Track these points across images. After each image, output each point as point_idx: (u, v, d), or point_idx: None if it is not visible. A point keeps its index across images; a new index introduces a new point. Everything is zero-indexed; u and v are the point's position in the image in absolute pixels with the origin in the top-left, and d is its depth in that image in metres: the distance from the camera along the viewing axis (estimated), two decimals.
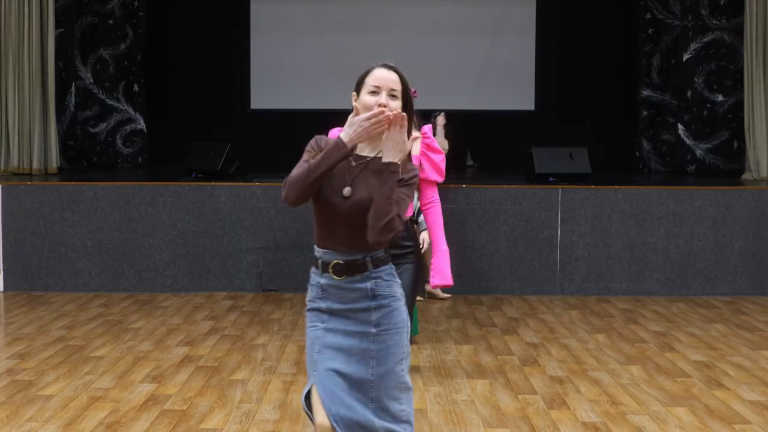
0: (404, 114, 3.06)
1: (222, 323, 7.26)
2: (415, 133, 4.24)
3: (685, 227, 8.50)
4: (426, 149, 5.51)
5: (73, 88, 11.09)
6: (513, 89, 12.00)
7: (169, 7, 11.96)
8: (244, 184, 8.71)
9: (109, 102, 11.45)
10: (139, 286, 8.51)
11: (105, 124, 11.47)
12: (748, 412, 5.05)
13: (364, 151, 3.21)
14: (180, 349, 6.39)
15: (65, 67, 10.90)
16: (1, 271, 8.50)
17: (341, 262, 3.15)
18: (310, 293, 3.27)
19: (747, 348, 6.56)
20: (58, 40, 10.46)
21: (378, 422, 3.13)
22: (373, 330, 3.16)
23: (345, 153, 3.07)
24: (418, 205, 5.67)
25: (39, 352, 6.26)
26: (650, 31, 11.46)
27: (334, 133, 3.96)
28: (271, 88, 11.96)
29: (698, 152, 10.89)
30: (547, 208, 8.47)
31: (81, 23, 11.32)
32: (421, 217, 5.77)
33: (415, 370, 5.78)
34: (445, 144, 9.28)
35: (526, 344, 6.66)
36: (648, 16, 11.44)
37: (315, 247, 3.23)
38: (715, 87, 10.87)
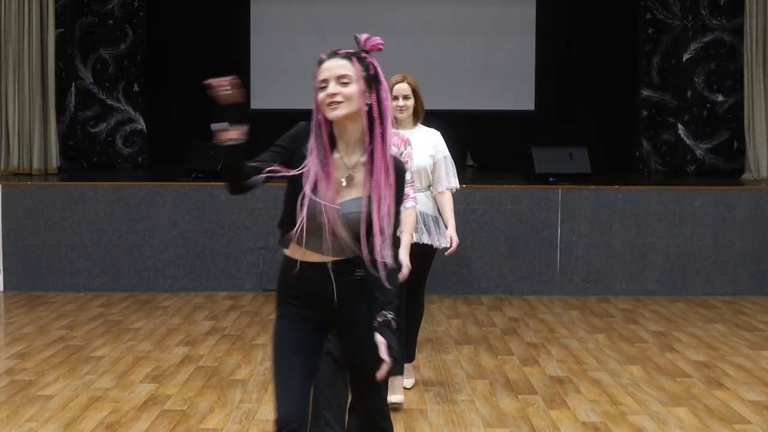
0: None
1: (222, 323, 7.26)
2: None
3: (685, 227, 8.50)
4: None
5: (73, 88, 11.08)
6: (513, 89, 11.99)
7: (169, 7, 11.96)
8: None
9: (109, 102, 11.45)
10: (139, 286, 8.51)
11: (105, 124, 11.46)
12: (748, 412, 5.05)
13: None
14: (180, 349, 6.39)
15: (65, 67, 10.89)
16: (1, 271, 8.50)
17: None
18: None
19: (747, 348, 6.56)
20: (58, 40, 10.46)
21: None
22: None
23: None
24: None
25: (39, 352, 6.26)
26: (650, 31, 11.45)
27: None
28: (271, 88, 11.96)
29: (698, 152, 10.89)
30: (547, 208, 8.47)
31: (81, 23, 11.32)
32: None
33: (415, 370, 5.77)
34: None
35: (526, 344, 6.66)
36: (648, 16, 11.43)
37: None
38: (715, 87, 10.86)
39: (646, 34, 11.46)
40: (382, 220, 2.94)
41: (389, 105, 2.98)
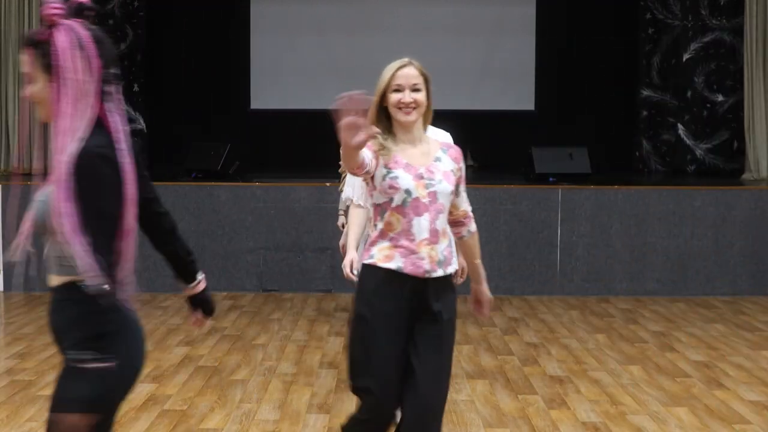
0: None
1: (222, 323, 7.26)
2: None
3: (685, 227, 8.50)
4: None
5: None
6: (513, 89, 11.99)
7: (169, 7, 11.95)
8: (244, 184, 8.71)
9: None
10: (139, 286, 8.48)
11: None
12: (748, 412, 5.05)
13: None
14: (180, 349, 6.39)
15: None
16: (1, 271, 8.49)
17: None
18: None
19: (747, 348, 6.56)
20: None
21: None
22: None
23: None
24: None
25: (39, 352, 6.26)
26: (650, 31, 11.45)
27: None
28: (271, 88, 11.95)
29: (698, 152, 10.89)
30: (547, 208, 8.47)
31: None
32: None
33: None
34: None
35: (526, 344, 6.66)
36: (648, 16, 11.43)
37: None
38: (715, 87, 10.86)
39: (646, 34, 11.46)
40: (54, 219, 2.43)
41: (68, 95, 2.41)
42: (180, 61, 11.96)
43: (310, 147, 10.86)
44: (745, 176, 10.09)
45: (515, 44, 11.98)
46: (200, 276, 3.06)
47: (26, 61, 2.49)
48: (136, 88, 11.52)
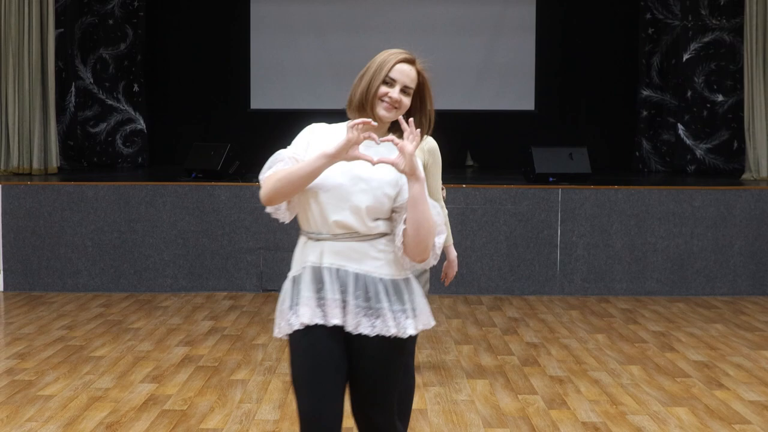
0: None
1: (222, 323, 7.26)
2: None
3: (685, 227, 8.50)
4: None
5: (73, 88, 11.08)
6: (513, 89, 11.99)
7: (170, 7, 11.96)
8: (244, 184, 8.71)
9: (109, 102, 11.45)
10: (139, 286, 8.51)
11: (105, 124, 11.46)
12: (748, 412, 5.05)
13: None
14: (180, 349, 6.40)
15: (65, 67, 10.89)
16: (1, 271, 8.50)
17: None
18: None
19: (747, 348, 6.56)
20: (58, 40, 10.46)
21: None
22: None
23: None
24: None
25: (39, 352, 6.26)
26: (650, 31, 11.45)
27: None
28: (271, 88, 11.96)
29: (698, 152, 10.88)
30: (547, 208, 8.47)
31: (81, 23, 11.31)
32: None
33: (415, 369, 5.77)
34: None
35: (526, 344, 6.67)
36: (648, 16, 11.43)
37: None
38: (715, 87, 10.85)
39: (646, 34, 11.46)
40: None
41: None
42: (180, 61, 11.96)
43: None
44: (745, 176, 10.09)
45: (515, 44, 11.98)
46: None
47: None
48: (136, 88, 11.53)
